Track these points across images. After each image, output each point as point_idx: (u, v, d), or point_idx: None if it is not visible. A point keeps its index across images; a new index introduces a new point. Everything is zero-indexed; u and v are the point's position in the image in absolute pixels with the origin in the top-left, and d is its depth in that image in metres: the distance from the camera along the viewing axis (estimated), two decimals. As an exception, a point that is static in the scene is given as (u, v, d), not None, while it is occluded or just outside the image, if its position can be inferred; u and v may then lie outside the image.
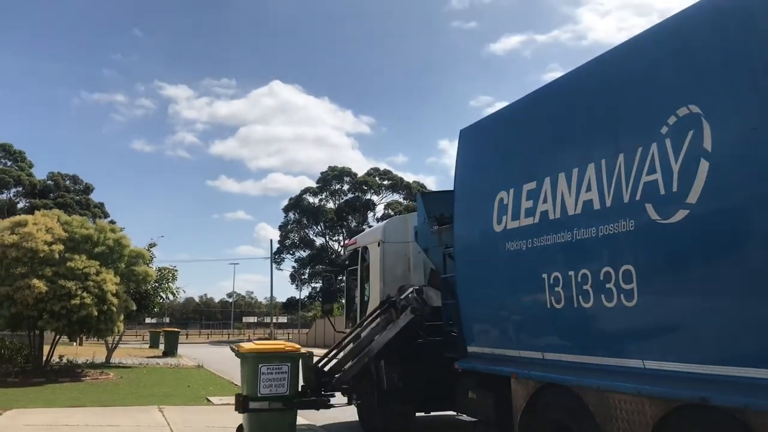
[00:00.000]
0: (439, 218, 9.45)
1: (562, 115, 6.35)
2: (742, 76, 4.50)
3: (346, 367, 9.10)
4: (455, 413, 10.86)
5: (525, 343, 6.79)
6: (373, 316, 9.67)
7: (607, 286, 5.52)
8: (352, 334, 9.85)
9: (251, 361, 8.09)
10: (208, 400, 13.78)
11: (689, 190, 4.77)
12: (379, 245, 10.85)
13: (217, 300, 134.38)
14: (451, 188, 10.13)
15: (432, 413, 10.99)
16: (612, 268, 5.48)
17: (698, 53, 4.87)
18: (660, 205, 5.02)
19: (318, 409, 9.00)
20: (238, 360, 8.44)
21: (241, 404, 8.08)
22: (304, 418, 11.49)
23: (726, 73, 4.62)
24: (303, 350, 8.53)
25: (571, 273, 5.96)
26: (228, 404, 13.10)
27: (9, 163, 65.05)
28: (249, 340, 59.98)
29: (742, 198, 4.47)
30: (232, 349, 8.68)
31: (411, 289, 9.06)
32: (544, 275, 6.31)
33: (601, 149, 5.68)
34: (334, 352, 9.61)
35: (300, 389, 8.46)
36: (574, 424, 5.98)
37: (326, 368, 9.22)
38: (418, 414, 10.42)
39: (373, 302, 10.83)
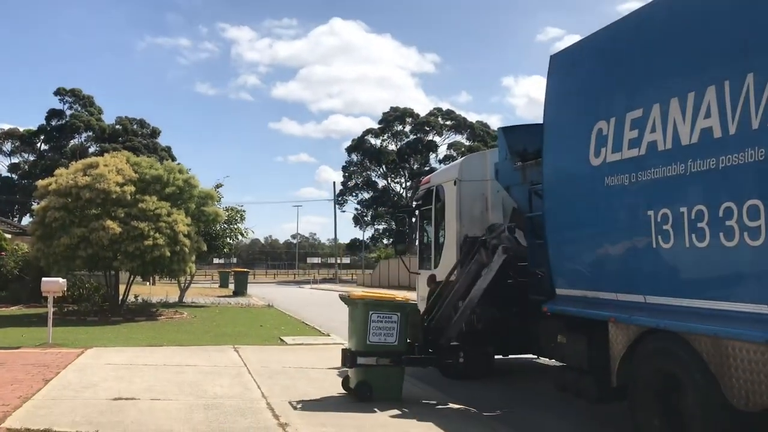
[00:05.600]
0: (522, 154, 8.89)
1: (674, 34, 5.64)
2: None
3: (452, 322, 8.69)
4: (535, 356, 10.53)
5: (624, 286, 6.27)
6: (462, 257, 9.26)
7: (728, 223, 4.95)
8: (451, 284, 9.43)
9: (362, 308, 7.91)
10: (282, 340, 13.77)
11: (840, 112, 4.12)
12: (455, 184, 10.36)
13: (281, 241, 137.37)
14: (524, 123, 9.55)
15: (511, 356, 10.69)
16: (734, 204, 4.90)
17: None
18: (800, 131, 4.39)
19: (425, 367, 8.86)
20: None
21: (349, 359, 8.01)
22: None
23: None
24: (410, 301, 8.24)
25: (683, 209, 5.39)
26: (301, 344, 13.24)
27: (79, 108, 66.67)
28: (315, 280, 61.06)
29: None
30: (342, 298, 8.57)
31: (503, 228, 8.56)
32: (650, 212, 5.75)
33: (723, 69, 5.02)
34: (437, 306, 9.27)
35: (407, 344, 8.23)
36: (683, 373, 5.51)
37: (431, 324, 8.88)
38: (496, 357, 10.14)
39: (449, 244, 10.45)
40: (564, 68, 7.36)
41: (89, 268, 17.97)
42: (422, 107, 79.65)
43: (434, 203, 11.08)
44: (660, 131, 5.65)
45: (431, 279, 10.73)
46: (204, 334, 14.72)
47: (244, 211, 26.15)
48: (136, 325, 16.15)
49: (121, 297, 19.31)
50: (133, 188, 17.32)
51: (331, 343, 13.49)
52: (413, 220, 12.90)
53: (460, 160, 11.73)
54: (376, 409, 7.48)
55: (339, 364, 8.71)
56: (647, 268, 5.92)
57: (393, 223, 61.24)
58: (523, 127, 9.42)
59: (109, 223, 16.26)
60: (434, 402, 8.16)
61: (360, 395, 7.89)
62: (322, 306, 27.79)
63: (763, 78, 4.67)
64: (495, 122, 74.97)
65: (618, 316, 6.24)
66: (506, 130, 9.43)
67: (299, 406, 7.55)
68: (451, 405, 8.04)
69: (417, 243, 12.63)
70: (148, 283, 33.79)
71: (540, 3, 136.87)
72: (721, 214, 5.02)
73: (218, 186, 24.51)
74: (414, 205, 12.63)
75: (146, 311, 19.35)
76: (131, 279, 19.73)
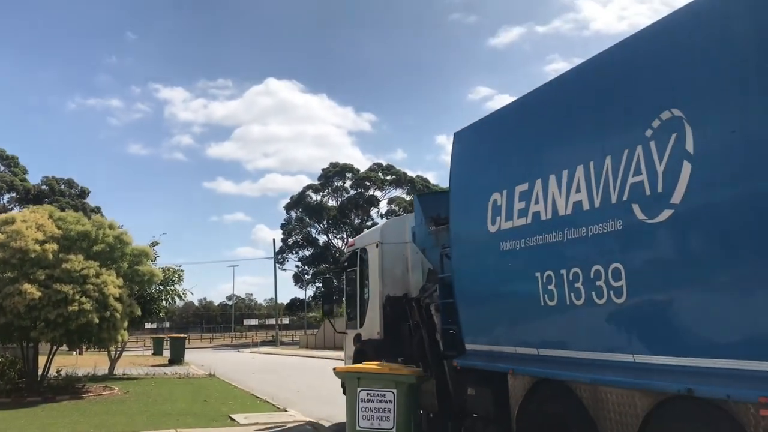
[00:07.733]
0: (435, 219, 9.63)
1: (551, 118, 6.55)
2: (722, 80, 4.69)
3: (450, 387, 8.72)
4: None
5: (521, 340, 6.99)
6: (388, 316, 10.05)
7: (597, 283, 5.71)
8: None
9: (349, 384, 6.77)
10: (232, 419, 12.22)
11: (673, 190, 4.96)
12: (377, 246, 11.03)
13: (216, 303, 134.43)
14: (437, 191, 10.40)
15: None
16: (602, 267, 5.67)
17: (680, 57, 5.06)
18: (646, 205, 5.22)
19: None
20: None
21: None
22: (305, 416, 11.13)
23: (706, 78, 4.82)
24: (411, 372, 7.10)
25: (563, 271, 6.15)
26: (256, 424, 11.71)
27: (2, 168, 64.71)
28: (254, 344, 59.35)
29: (722, 198, 4.66)
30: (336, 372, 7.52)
31: (435, 287, 9.23)
32: (537, 274, 6.50)
33: (588, 151, 5.87)
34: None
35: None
36: (569, 418, 6.18)
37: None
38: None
39: (373, 303, 11.03)
40: (465, 144, 8.21)
41: (2, 339, 16.00)
42: (360, 165, 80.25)
43: (359, 265, 11.70)
44: (542, 203, 6.46)
45: (357, 338, 11.27)
46: (139, 414, 13.06)
47: (182, 270, 24.03)
48: (58, 407, 14.27)
49: (41, 371, 17.00)
50: (55, 246, 15.39)
51: (290, 421, 12.07)
52: (342, 280, 13.46)
53: (381, 224, 12.46)
54: None
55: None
56: (537, 324, 6.64)
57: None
58: (436, 195, 10.28)
59: (27, 286, 14.34)
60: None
61: None
62: (268, 372, 25.74)
63: (617, 160, 5.52)
64: (432, 178, 76.44)
65: (516, 368, 6.91)
66: (421, 197, 10.29)
67: None
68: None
69: (344, 303, 13.17)
70: (74, 352, 31.41)
71: (471, 64, 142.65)
72: (592, 276, 5.78)
73: (154, 244, 22.45)
74: (340, 267, 13.22)
75: (70, 387, 17.13)
76: (53, 350, 17.41)
